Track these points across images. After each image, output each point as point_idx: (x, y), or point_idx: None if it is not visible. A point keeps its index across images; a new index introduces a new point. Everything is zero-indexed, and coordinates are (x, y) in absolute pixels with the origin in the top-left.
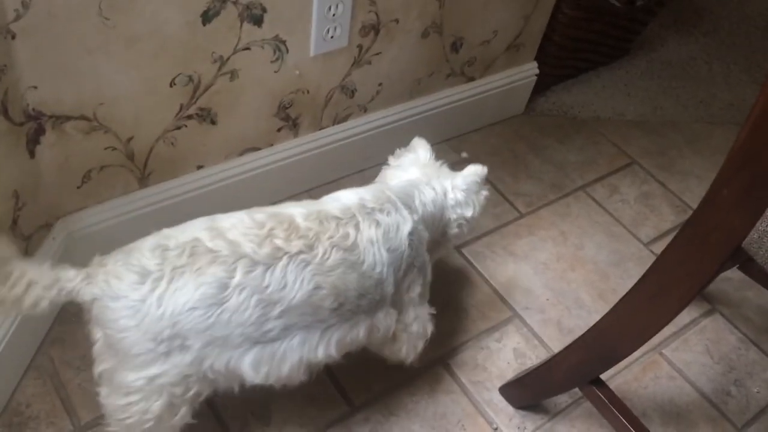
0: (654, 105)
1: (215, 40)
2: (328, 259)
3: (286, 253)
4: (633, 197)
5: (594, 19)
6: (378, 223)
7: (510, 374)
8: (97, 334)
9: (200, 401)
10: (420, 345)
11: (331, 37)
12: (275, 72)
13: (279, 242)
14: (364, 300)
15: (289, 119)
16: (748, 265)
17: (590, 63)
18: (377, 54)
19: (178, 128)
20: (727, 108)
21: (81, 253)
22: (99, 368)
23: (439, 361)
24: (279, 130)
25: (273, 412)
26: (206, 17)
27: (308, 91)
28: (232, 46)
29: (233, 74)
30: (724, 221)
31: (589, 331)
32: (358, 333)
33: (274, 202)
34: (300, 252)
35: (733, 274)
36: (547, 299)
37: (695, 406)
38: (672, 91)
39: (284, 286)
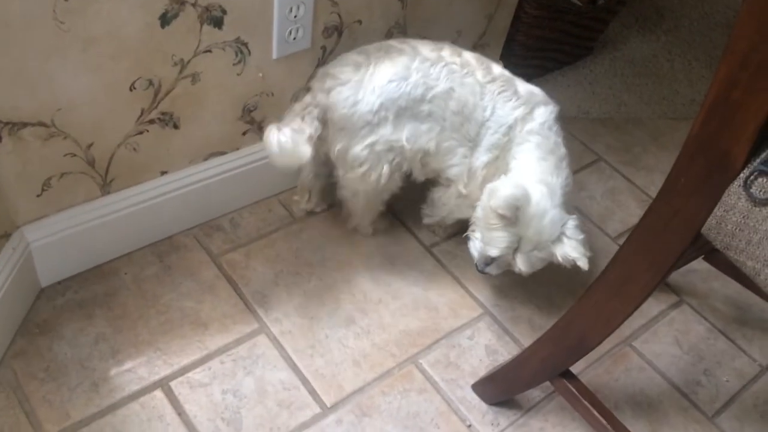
0: (618, 102)
1: (175, 43)
2: (466, 77)
3: (445, 61)
4: (600, 193)
5: (557, 18)
6: (504, 97)
7: (482, 371)
8: (331, 131)
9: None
10: (450, 220)
11: (294, 38)
12: (238, 75)
13: (444, 54)
14: (463, 127)
15: (254, 122)
16: (713, 256)
17: (555, 62)
18: (340, 54)
19: (140, 133)
20: (689, 104)
21: (42, 263)
22: (336, 149)
23: (411, 359)
24: (244, 133)
25: (243, 418)
26: (165, 20)
27: (272, 94)
28: (192, 48)
29: (195, 77)
30: (683, 208)
31: (557, 323)
32: (449, 149)
33: (240, 207)
34: (454, 64)
35: (699, 265)
36: (518, 297)
37: (666, 396)
38: (635, 88)
39: (437, 78)
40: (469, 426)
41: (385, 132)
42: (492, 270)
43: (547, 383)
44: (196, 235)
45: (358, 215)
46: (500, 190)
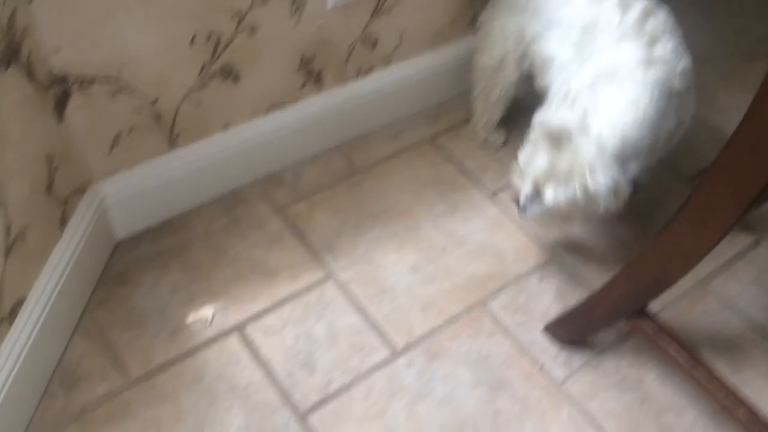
0: (687, 42)
1: None
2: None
3: None
4: None
5: None
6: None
7: (552, 314)
8: None
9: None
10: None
11: None
12: (294, 26)
13: None
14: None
15: (312, 74)
16: None
17: None
18: (396, 3)
19: (202, 87)
20: (762, 41)
21: (117, 217)
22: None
23: (479, 304)
24: (303, 85)
25: (317, 361)
26: None
27: (329, 44)
28: (249, 0)
29: (252, 29)
30: None
31: (633, 260)
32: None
33: (301, 160)
34: None
35: None
36: (588, 239)
37: (747, 337)
38: (705, 27)
39: None
40: (541, 367)
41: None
42: (532, 211)
43: (622, 323)
44: (260, 189)
45: (479, 111)
46: (559, 111)
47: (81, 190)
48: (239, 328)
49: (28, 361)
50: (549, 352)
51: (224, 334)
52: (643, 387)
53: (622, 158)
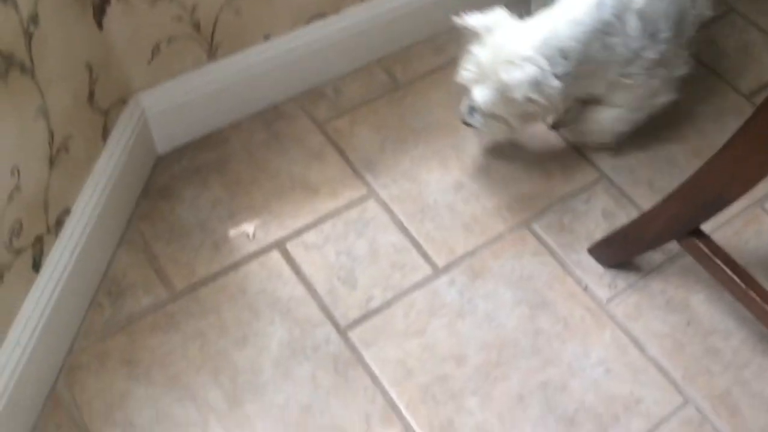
0: None
1: None
2: None
3: None
4: (732, 48)
5: None
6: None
7: (599, 235)
8: None
9: None
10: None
11: None
12: None
13: None
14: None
15: None
16: None
17: None
18: None
19: None
20: None
21: (158, 130)
22: None
23: (523, 223)
24: None
25: (358, 277)
26: None
27: None
28: None
29: None
30: None
31: (689, 179)
32: None
33: (342, 74)
34: None
35: None
36: (637, 159)
37: None
38: None
39: None
40: (585, 288)
41: None
42: (475, 120)
43: (670, 245)
44: (300, 103)
45: None
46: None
47: (122, 101)
48: (280, 243)
49: (76, 271)
50: (593, 273)
51: (265, 249)
52: (690, 309)
53: (546, 52)
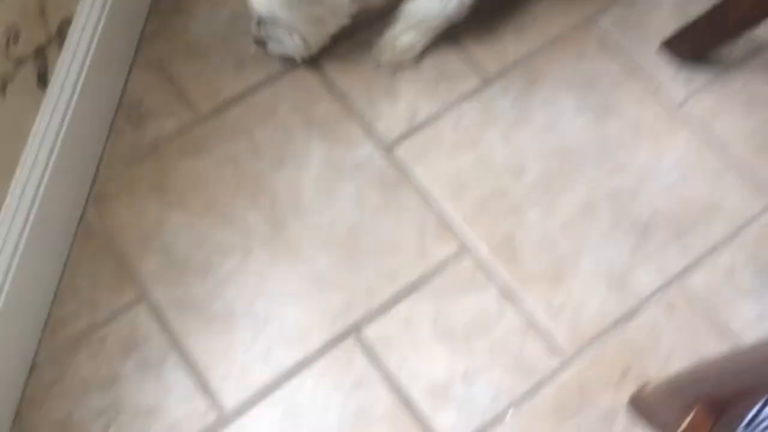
0: None
1: None
2: None
3: None
4: None
5: None
6: None
7: (670, 31)
8: None
9: None
10: None
11: None
12: None
13: None
14: None
15: None
16: None
17: None
18: None
19: None
20: None
21: None
22: None
23: (586, 21)
24: None
25: (400, 89)
26: None
27: None
28: None
29: None
30: None
31: None
32: None
33: None
34: None
35: None
36: None
37: None
38: None
39: None
40: (657, 89)
41: None
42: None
43: (753, 35)
44: None
45: None
46: None
47: None
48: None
49: (87, 89)
50: (666, 71)
51: (294, 64)
52: None
53: None
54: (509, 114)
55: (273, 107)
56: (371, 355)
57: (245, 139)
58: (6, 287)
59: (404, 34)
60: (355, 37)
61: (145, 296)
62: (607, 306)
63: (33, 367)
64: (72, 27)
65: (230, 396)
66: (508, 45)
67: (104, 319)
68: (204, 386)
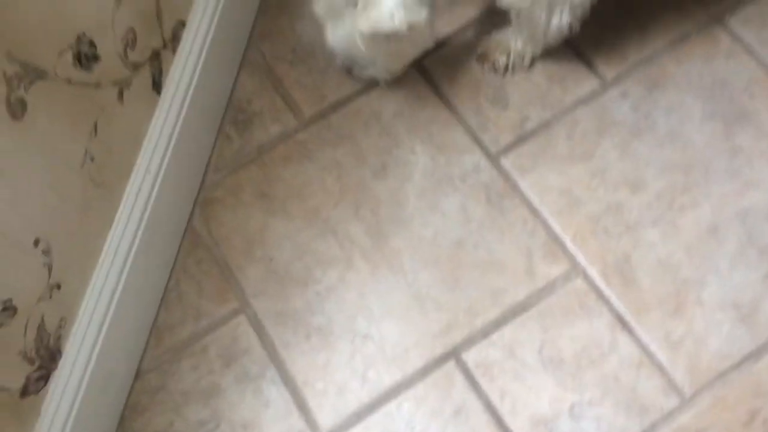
0: None
1: None
2: None
3: None
4: None
5: None
6: None
7: None
8: None
9: None
10: None
11: None
12: None
13: None
14: None
15: None
16: None
17: None
18: None
19: None
20: None
21: None
22: None
23: (715, 16)
24: None
25: (510, 96)
26: None
27: None
28: None
29: None
30: None
31: None
32: None
33: None
34: None
35: None
36: None
37: None
38: None
39: None
40: None
41: None
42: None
43: None
44: None
45: None
46: None
47: None
48: (418, 61)
49: (199, 93)
50: None
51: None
52: None
53: None
54: (628, 122)
55: (378, 113)
56: (472, 381)
57: (349, 144)
58: (118, 293)
59: (517, 38)
60: (460, 37)
61: (247, 306)
62: (733, 341)
63: (138, 374)
64: (186, 29)
65: (326, 416)
66: (627, 46)
67: (207, 328)
68: (300, 404)
